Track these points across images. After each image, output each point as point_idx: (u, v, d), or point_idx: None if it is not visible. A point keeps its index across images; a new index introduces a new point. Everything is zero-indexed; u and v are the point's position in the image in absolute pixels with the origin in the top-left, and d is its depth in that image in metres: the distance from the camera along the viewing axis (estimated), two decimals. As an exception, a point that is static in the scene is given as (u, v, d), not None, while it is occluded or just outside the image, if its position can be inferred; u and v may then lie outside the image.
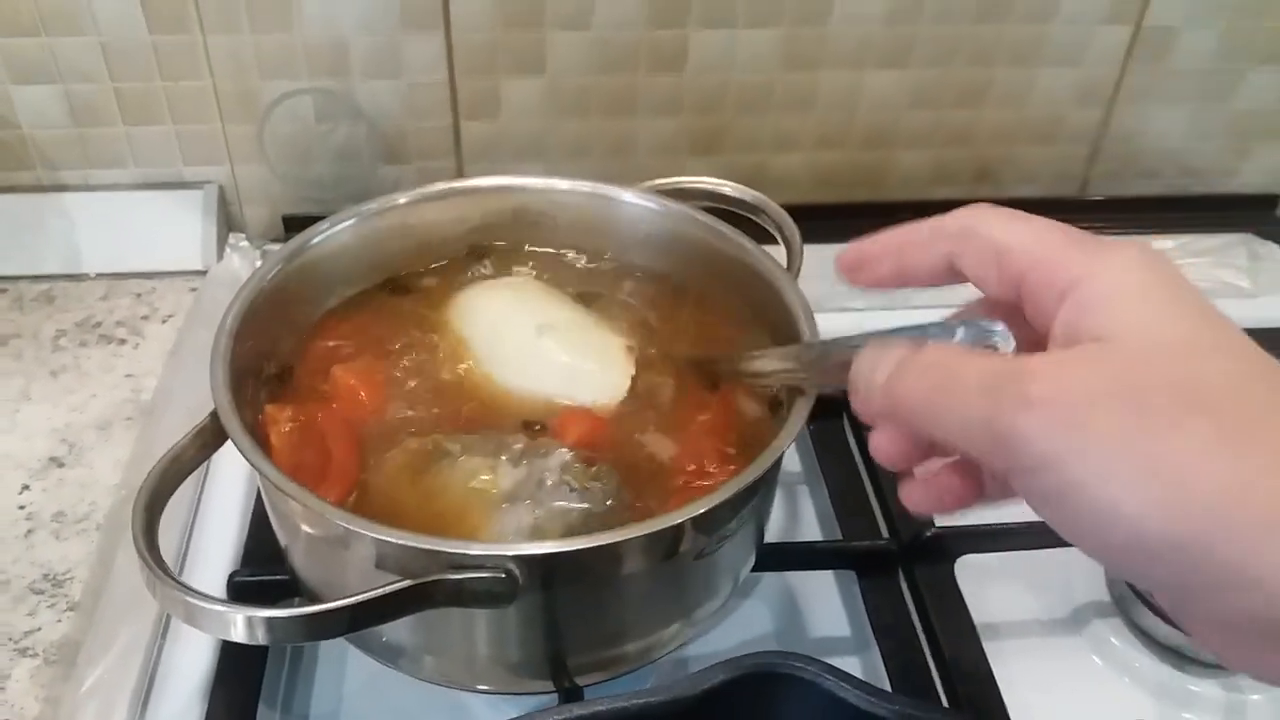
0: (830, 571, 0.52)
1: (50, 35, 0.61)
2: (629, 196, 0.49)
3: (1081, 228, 0.72)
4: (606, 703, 0.31)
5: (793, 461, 0.59)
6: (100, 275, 0.64)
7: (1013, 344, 0.31)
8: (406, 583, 0.33)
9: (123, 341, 0.59)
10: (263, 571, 0.45)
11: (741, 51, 0.66)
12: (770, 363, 0.42)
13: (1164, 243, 0.71)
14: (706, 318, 0.49)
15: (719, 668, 0.32)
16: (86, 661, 0.43)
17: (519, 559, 0.33)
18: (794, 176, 0.72)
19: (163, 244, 0.65)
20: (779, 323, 0.45)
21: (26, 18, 0.61)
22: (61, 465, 0.51)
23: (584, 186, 0.48)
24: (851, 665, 0.49)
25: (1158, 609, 0.49)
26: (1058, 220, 0.72)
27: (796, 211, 0.73)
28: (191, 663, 0.43)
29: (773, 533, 0.55)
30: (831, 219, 0.72)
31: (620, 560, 0.35)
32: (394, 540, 0.33)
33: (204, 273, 0.65)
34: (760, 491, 0.40)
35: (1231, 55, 0.70)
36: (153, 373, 0.57)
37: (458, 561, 0.34)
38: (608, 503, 0.40)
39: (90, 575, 0.46)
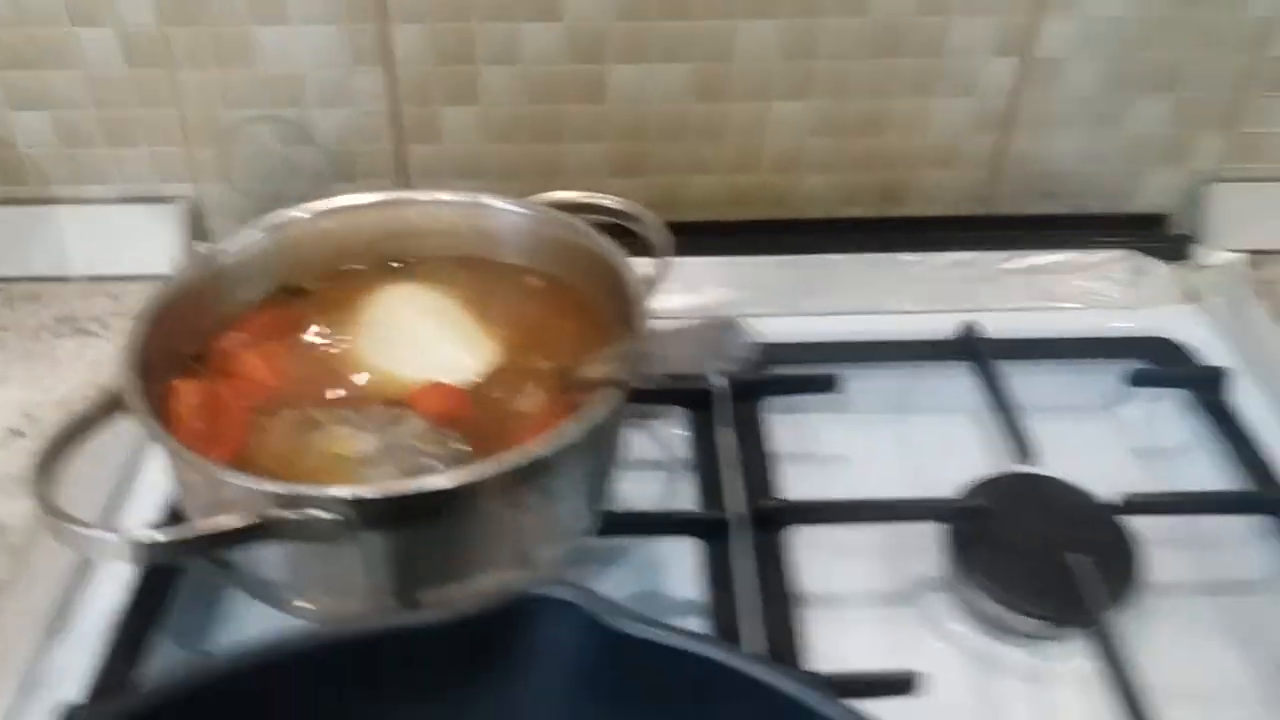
0: (692, 541, 0.58)
1: (44, 68, 0.70)
2: (505, 205, 0.56)
3: (980, 244, 0.79)
4: (358, 627, 0.37)
5: (684, 447, 0.66)
6: (83, 278, 0.73)
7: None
8: (249, 519, 0.40)
9: (94, 334, 0.68)
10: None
11: (656, 85, 0.73)
12: (600, 367, 0.49)
13: (1051, 257, 0.76)
14: (575, 313, 0.55)
15: (493, 596, 0.38)
16: (12, 595, 0.50)
17: (341, 500, 0.40)
18: (710, 197, 0.78)
19: (139, 251, 0.74)
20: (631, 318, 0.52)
21: (26, 53, 0.70)
22: (22, 436, 0.60)
23: (464, 198, 0.56)
24: (693, 626, 0.55)
25: (985, 585, 0.55)
26: (960, 237, 0.78)
27: (712, 228, 0.81)
28: (104, 598, 0.51)
29: (646, 503, 0.61)
30: (745, 234, 0.79)
31: (432, 506, 0.42)
32: (234, 481, 0.41)
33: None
34: (570, 461, 0.46)
35: (1119, 84, 0.75)
36: (114, 360, 0.65)
37: (297, 502, 0.41)
38: (453, 465, 0.47)
39: (27, 526, 0.54)
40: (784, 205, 0.79)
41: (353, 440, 0.47)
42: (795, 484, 0.62)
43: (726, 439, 0.63)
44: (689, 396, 0.65)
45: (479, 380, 0.51)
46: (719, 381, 0.64)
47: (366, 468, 0.46)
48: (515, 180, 0.77)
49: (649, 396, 0.65)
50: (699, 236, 0.77)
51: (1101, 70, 0.74)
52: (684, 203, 0.78)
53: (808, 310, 0.73)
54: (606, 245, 0.54)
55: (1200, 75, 0.75)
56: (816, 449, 0.66)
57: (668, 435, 0.66)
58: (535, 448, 0.42)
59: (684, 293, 0.73)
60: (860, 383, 0.67)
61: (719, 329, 0.42)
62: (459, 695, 0.38)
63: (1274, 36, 0.73)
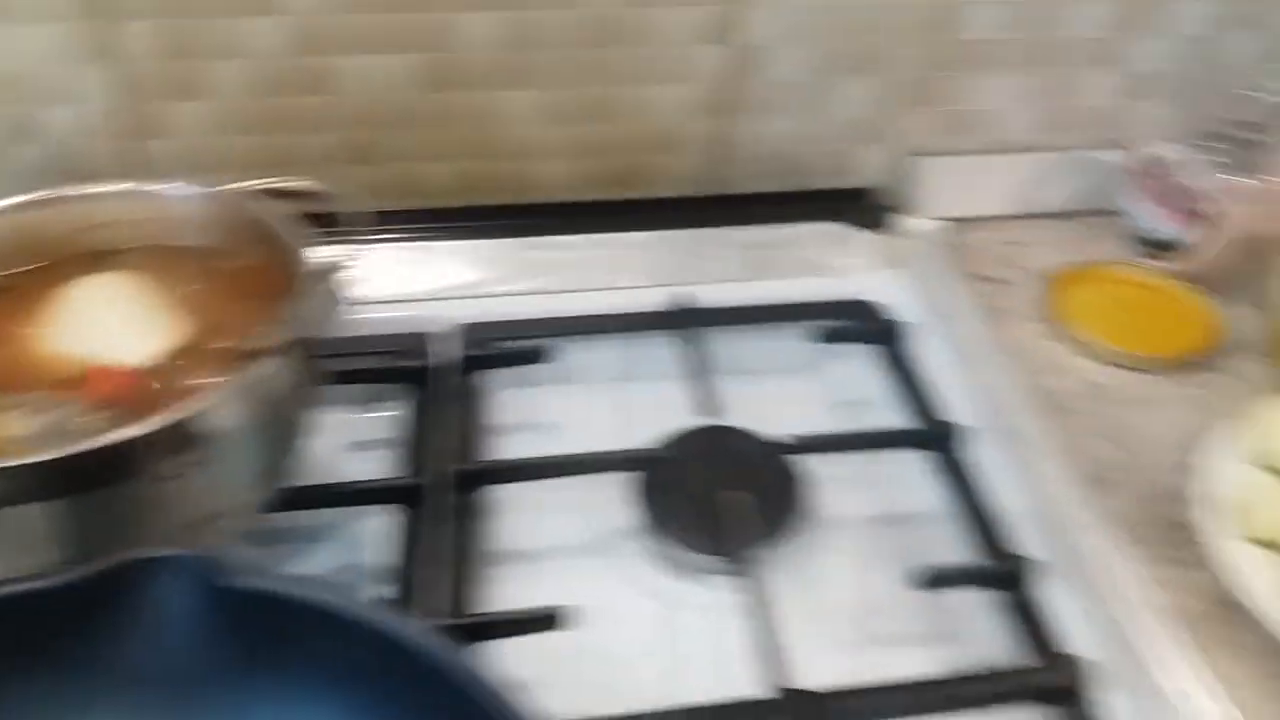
0: (398, 512, 0.61)
1: None
2: (187, 192, 0.59)
3: (703, 222, 0.83)
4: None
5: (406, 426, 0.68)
6: None
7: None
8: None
9: None
10: None
11: (382, 75, 0.76)
12: (259, 338, 0.51)
13: (767, 232, 0.81)
14: (259, 294, 0.57)
15: (103, 560, 0.40)
16: None
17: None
18: (445, 184, 0.81)
19: None
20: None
21: None
22: None
23: (148, 187, 0.58)
24: (380, 591, 0.57)
25: (665, 528, 0.59)
26: (685, 217, 0.83)
27: (448, 214, 0.83)
28: None
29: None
30: (483, 219, 0.82)
31: (73, 476, 0.44)
32: None
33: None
34: (225, 429, 0.48)
35: (825, 70, 0.81)
36: None
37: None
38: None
39: None
40: (520, 191, 0.83)
41: (13, 424, 0.49)
42: (508, 451, 0.66)
43: (442, 413, 0.66)
44: (410, 374, 0.68)
45: (155, 362, 0.53)
46: (439, 358, 0.67)
47: (23, 448, 0.48)
48: (253, 172, 0.78)
49: (370, 376, 0.68)
50: (437, 222, 0.81)
51: (808, 55, 0.80)
52: (421, 190, 0.81)
53: (538, 289, 0.77)
54: (283, 226, 0.57)
55: (897, 58, 0.81)
56: (534, 418, 0.70)
57: (391, 415, 0.69)
58: (172, 414, 0.45)
59: (423, 275, 0.77)
60: (582, 355, 0.72)
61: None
62: (77, 656, 0.41)
63: (956, 20, 0.80)
